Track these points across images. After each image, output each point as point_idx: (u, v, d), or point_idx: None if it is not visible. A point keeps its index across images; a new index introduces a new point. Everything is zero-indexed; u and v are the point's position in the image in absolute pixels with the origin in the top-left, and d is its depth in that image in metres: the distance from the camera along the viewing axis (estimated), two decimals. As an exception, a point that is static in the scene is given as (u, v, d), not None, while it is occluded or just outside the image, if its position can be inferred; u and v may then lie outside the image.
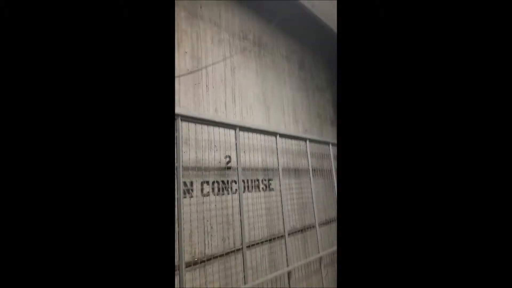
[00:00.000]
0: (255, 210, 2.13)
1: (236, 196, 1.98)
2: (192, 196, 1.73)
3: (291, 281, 2.20)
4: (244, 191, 2.05)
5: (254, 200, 2.14)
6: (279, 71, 2.75)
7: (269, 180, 2.34)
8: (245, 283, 1.78)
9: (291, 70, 2.92)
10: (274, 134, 2.34)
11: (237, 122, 2.00)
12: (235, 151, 1.98)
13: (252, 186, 2.18)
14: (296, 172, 2.63)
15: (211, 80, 2.05)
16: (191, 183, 1.74)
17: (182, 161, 1.62)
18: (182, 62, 1.85)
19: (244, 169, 2.10)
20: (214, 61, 2.08)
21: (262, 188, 2.26)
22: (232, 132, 2.01)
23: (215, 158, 1.91)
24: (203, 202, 1.78)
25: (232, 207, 1.95)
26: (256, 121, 2.39)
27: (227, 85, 2.14)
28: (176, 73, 1.76)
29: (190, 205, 1.70)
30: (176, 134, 1.64)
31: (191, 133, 1.78)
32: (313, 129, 3.08)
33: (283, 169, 2.43)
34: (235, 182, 1.99)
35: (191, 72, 1.83)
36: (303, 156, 2.72)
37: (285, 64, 2.86)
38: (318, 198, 2.77)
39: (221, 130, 1.95)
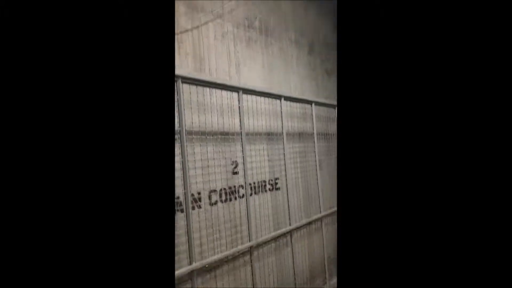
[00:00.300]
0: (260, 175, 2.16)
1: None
2: (200, 207, 1.76)
3: (293, 239, 2.32)
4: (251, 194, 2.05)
5: (260, 200, 2.15)
6: (287, 59, 2.55)
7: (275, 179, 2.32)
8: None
9: (300, 56, 2.71)
10: (278, 97, 2.27)
11: (240, 84, 1.93)
12: (238, 117, 1.94)
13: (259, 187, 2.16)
14: (300, 136, 2.61)
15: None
16: (199, 194, 1.76)
17: (185, 125, 1.60)
18: (184, 64, 1.72)
19: (248, 134, 2.08)
20: (217, 58, 1.92)
21: (269, 188, 2.25)
22: (235, 95, 1.95)
23: (218, 122, 1.88)
24: (211, 212, 1.81)
25: (240, 211, 1.98)
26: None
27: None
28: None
29: (199, 215, 1.74)
30: (176, 97, 1.59)
31: (193, 96, 1.73)
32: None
33: (287, 134, 2.41)
34: (242, 187, 2.01)
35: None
36: (308, 120, 2.68)
37: (294, 50, 2.63)
38: (322, 162, 2.78)
39: (224, 93, 1.89)
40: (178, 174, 1.60)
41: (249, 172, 2.01)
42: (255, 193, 2.11)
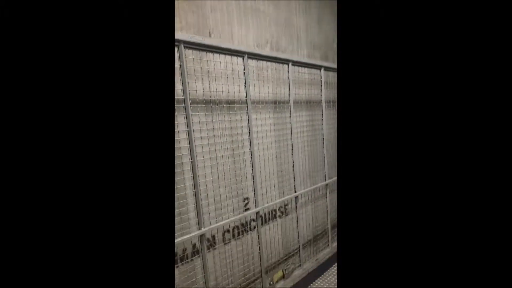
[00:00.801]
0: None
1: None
2: (215, 248, 1.83)
3: (298, 205, 2.38)
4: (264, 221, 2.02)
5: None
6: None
7: (285, 205, 2.32)
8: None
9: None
10: (286, 61, 2.16)
11: (246, 48, 1.82)
12: (244, 86, 1.87)
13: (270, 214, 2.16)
14: (308, 104, 2.53)
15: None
16: (213, 237, 1.82)
17: (189, 93, 1.55)
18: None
19: (253, 102, 2.02)
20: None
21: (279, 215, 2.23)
22: (240, 60, 1.85)
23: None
24: (225, 251, 1.88)
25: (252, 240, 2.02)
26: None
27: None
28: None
29: (214, 256, 1.82)
30: (179, 64, 1.52)
31: (196, 62, 1.64)
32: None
33: (295, 101, 2.34)
34: (254, 220, 2.04)
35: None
36: (316, 86, 2.57)
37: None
38: (329, 129, 2.74)
39: (228, 58, 1.79)
40: (184, 144, 1.59)
41: (255, 141, 2.00)
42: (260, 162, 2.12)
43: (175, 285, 1.58)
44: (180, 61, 1.51)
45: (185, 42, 1.49)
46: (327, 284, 2.49)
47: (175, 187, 1.58)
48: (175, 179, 1.57)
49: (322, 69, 2.55)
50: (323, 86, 2.58)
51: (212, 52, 1.67)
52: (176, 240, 1.52)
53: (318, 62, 2.48)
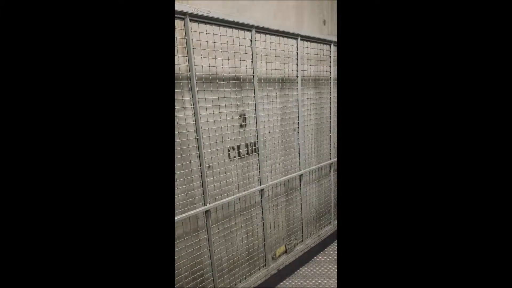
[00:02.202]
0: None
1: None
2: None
3: (302, 182, 2.40)
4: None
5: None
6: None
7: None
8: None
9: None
10: (295, 36, 2.07)
11: (253, 22, 1.74)
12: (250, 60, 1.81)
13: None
14: (316, 81, 2.46)
15: None
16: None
17: (195, 70, 1.51)
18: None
19: (260, 79, 1.97)
20: None
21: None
22: (247, 34, 1.78)
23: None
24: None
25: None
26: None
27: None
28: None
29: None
30: (185, 38, 1.46)
31: (202, 36, 1.58)
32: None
33: (302, 79, 2.27)
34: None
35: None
36: (325, 62, 2.49)
37: None
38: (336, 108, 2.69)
39: (235, 31, 1.72)
40: (190, 120, 1.58)
41: (261, 120, 1.97)
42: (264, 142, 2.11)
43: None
44: (185, 35, 1.45)
45: (190, 14, 1.43)
46: (328, 259, 2.59)
47: (182, 163, 1.59)
48: (182, 155, 1.58)
49: (332, 45, 2.44)
50: (333, 63, 2.49)
51: (219, 25, 1.60)
52: (182, 216, 1.56)
53: (329, 37, 2.37)
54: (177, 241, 1.63)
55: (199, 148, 1.60)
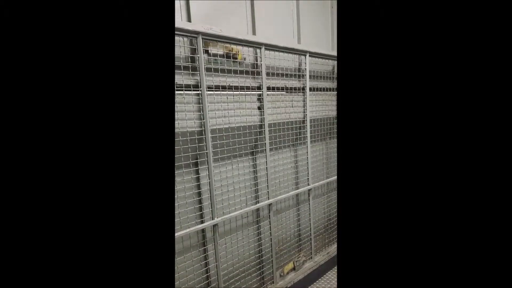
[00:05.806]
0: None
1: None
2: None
3: (311, 197, 2.38)
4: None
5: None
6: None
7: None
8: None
9: None
10: (303, 53, 2.11)
11: (263, 39, 1.79)
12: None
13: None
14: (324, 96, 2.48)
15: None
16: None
17: (205, 86, 1.55)
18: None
19: (268, 88, 2.00)
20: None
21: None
22: (258, 51, 1.83)
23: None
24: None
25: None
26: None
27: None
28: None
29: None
30: (197, 56, 1.52)
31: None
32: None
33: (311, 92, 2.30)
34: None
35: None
36: (332, 77, 2.51)
37: None
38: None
39: (245, 49, 1.78)
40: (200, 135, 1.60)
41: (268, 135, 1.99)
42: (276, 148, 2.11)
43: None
44: (197, 52, 1.51)
45: (203, 34, 1.49)
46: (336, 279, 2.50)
47: (191, 177, 1.60)
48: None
49: (341, 61, 2.48)
50: (341, 79, 2.51)
51: (230, 43, 1.66)
52: (190, 229, 1.57)
53: (336, 53, 2.40)
54: (184, 254, 1.62)
55: (208, 161, 1.62)
